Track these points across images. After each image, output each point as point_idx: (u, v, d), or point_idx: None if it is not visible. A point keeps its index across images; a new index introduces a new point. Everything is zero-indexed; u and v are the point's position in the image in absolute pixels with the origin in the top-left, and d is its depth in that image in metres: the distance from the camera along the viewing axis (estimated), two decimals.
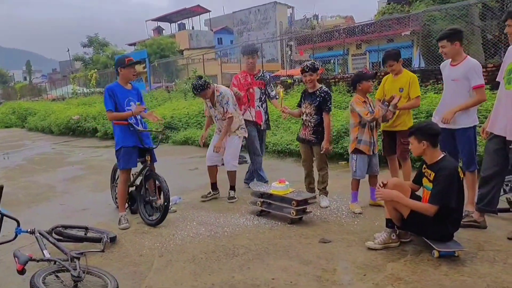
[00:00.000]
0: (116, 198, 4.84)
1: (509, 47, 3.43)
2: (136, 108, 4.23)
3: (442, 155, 3.19)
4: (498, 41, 13.00)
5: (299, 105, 4.77)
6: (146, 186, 4.40)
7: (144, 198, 4.40)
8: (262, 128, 5.44)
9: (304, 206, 4.12)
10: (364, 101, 4.28)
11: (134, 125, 4.24)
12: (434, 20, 15.40)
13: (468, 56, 3.81)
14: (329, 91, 4.53)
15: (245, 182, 5.63)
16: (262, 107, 5.40)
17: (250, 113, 5.29)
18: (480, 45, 13.25)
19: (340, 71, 23.12)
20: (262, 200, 4.40)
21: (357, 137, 4.29)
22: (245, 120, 5.15)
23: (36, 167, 8.60)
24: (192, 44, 43.36)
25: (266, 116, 5.49)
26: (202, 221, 4.32)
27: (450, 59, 3.86)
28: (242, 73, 5.40)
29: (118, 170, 4.54)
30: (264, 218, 4.29)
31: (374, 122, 4.33)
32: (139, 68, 31.34)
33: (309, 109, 4.53)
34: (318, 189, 4.71)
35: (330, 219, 4.14)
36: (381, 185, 3.34)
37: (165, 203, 4.11)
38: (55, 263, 2.88)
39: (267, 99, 5.55)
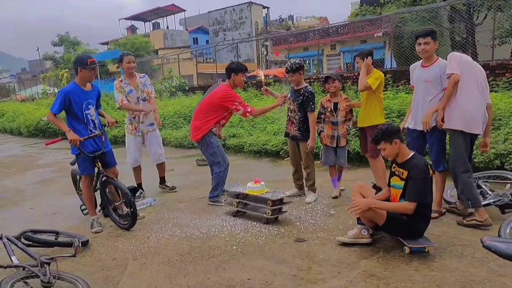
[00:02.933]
0: (83, 206, 4.63)
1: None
2: (70, 135, 3.93)
3: (412, 153, 3.27)
4: (465, 42, 13.46)
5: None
6: (107, 192, 4.30)
7: (110, 204, 4.30)
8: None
9: (280, 206, 4.15)
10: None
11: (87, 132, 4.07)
12: (405, 22, 15.80)
13: (439, 58, 3.85)
14: (312, 91, 4.64)
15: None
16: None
17: (220, 129, 4.98)
18: (449, 46, 13.70)
19: (315, 71, 23.41)
20: (237, 200, 4.40)
21: (322, 129, 4.87)
22: (211, 132, 4.76)
23: (5, 170, 8.30)
24: (167, 44, 42.87)
25: None
26: (177, 222, 4.28)
27: (421, 61, 3.93)
28: (231, 89, 4.75)
29: (79, 176, 4.43)
30: (240, 219, 4.30)
31: (338, 117, 4.78)
32: (112, 67, 30.65)
33: (293, 105, 4.70)
34: (306, 186, 4.87)
35: (305, 218, 4.18)
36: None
37: (131, 209, 3.96)
38: (23, 269, 2.79)
39: None
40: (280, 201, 4.16)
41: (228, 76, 4.72)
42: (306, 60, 26.84)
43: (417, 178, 3.12)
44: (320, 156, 5.13)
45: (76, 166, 4.47)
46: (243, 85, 4.91)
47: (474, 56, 13.13)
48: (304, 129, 4.64)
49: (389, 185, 3.47)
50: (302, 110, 4.61)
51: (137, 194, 5.10)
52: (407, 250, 3.15)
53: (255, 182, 4.32)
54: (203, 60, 32.48)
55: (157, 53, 32.72)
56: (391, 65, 14.19)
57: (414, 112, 3.99)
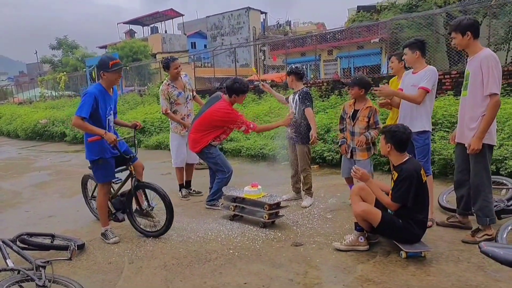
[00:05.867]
0: (95, 211, 4.44)
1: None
2: (107, 137, 3.54)
3: (407, 158, 3.29)
4: (461, 49, 13.57)
5: (287, 99, 5.03)
6: (137, 197, 4.02)
7: (140, 211, 4.03)
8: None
9: (277, 210, 4.15)
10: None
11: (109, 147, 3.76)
12: (401, 28, 15.93)
13: (429, 66, 3.88)
14: (307, 91, 4.72)
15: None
16: None
17: (220, 139, 4.97)
18: (445, 52, 13.78)
19: (312, 76, 23.48)
20: (235, 204, 4.39)
21: (343, 140, 4.53)
22: (211, 144, 4.75)
23: (1, 173, 8.26)
24: (165, 48, 42.90)
25: None
26: (173, 226, 4.23)
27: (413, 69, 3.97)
28: (231, 106, 4.70)
29: (94, 183, 4.29)
30: (237, 222, 4.29)
31: (356, 127, 4.29)
32: None
33: (292, 108, 4.75)
34: (303, 190, 4.86)
35: (302, 223, 4.18)
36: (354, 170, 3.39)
37: (169, 212, 3.81)
38: (18, 272, 2.76)
39: None
40: (277, 205, 4.16)
41: (230, 95, 4.65)
42: (303, 65, 26.97)
43: (401, 181, 3.15)
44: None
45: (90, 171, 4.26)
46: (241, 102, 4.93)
47: None
48: (300, 132, 4.67)
49: None
50: (300, 112, 4.65)
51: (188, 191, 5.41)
52: (403, 254, 3.16)
53: (252, 186, 4.31)
54: (201, 65, 32.51)
55: (155, 57, 32.74)
56: (387, 71, 14.27)
57: (401, 116, 3.96)
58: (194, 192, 5.55)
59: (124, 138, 4.02)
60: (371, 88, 4.27)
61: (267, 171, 6.94)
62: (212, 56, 22.66)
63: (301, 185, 4.91)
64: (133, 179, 3.93)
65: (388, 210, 3.30)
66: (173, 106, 5.21)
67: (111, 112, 3.86)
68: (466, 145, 3.37)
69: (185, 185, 5.58)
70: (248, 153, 7.96)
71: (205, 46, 43.65)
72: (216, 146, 4.80)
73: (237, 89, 4.60)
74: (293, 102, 4.75)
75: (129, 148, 4.08)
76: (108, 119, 3.80)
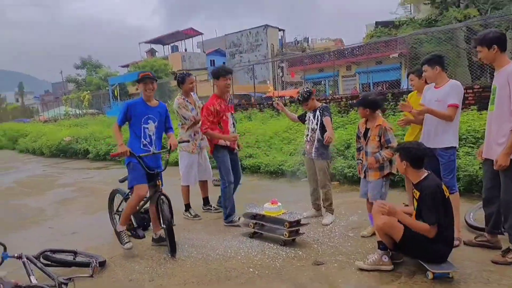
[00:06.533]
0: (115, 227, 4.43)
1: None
2: (120, 148, 3.88)
3: (426, 174, 3.20)
4: (483, 63, 13.30)
5: (300, 117, 5.07)
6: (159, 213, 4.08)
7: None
8: (235, 152, 5.04)
9: (297, 227, 4.09)
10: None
11: (138, 150, 3.98)
12: (421, 43, 15.77)
13: (451, 79, 3.83)
14: (327, 106, 4.80)
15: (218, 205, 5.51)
16: (235, 132, 5.00)
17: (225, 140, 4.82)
18: (466, 67, 13.55)
19: (331, 92, 23.44)
20: (254, 221, 4.36)
21: (359, 160, 4.31)
22: (219, 145, 4.80)
23: (26, 189, 8.47)
24: (185, 66, 43.68)
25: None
26: (193, 244, 4.26)
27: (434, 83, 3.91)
28: (215, 99, 4.76)
29: (121, 197, 4.42)
30: (257, 240, 4.25)
31: (368, 147, 4.06)
32: (132, 89, 31.18)
33: (312, 124, 4.73)
34: (323, 206, 4.81)
35: (323, 241, 4.11)
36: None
37: (170, 238, 3.86)
38: None
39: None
40: (297, 223, 4.10)
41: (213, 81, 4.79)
42: (321, 81, 26.97)
43: (428, 199, 3.05)
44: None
45: (119, 185, 4.47)
46: (228, 89, 4.83)
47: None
48: (320, 147, 4.65)
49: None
50: (322, 128, 4.63)
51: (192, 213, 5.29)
52: (430, 275, 3.04)
53: (272, 203, 4.28)
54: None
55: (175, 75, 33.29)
56: (407, 86, 14.12)
57: (425, 132, 3.90)
58: (214, 209, 5.53)
59: (153, 153, 4.09)
60: (379, 105, 4.14)
61: (287, 188, 6.89)
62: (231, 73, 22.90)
63: (322, 201, 4.85)
64: (159, 193, 4.00)
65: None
66: (187, 122, 5.19)
67: (150, 121, 4.08)
68: (494, 161, 3.27)
69: (203, 202, 5.57)
70: (267, 169, 7.93)
71: (224, 63, 44.23)
72: (226, 151, 4.78)
73: (214, 73, 4.82)
74: (314, 118, 4.73)
75: (161, 165, 4.21)
76: (145, 128, 4.07)
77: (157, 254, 3.99)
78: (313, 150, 4.71)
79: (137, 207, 4.18)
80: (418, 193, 3.17)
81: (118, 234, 4.20)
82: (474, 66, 12.92)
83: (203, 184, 5.54)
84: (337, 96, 12.09)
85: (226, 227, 4.77)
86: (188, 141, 5.03)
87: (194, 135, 5.22)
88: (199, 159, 5.31)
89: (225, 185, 4.75)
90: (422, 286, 2.98)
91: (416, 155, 3.19)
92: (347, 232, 4.33)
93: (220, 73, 4.75)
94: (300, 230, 4.16)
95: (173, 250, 3.89)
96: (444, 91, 3.74)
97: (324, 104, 4.82)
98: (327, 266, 3.47)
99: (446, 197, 3.12)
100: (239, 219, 4.72)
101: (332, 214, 4.76)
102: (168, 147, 4.15)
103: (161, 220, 3.96)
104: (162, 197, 3.98)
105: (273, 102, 5.39)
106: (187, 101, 5.18)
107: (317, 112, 4.71)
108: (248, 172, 8.29)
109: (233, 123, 4.98)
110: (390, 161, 4.01)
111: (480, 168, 5.27)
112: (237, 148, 5.04)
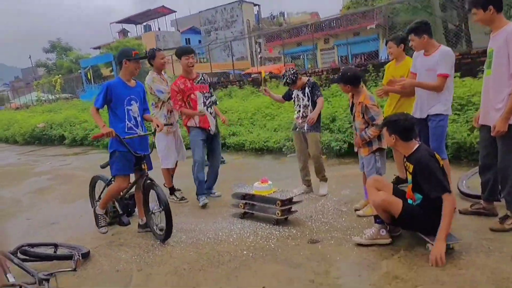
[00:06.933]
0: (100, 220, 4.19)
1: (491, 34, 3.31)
2: (104, 129, 3.61)
3: (417, 146, 3.07)
4: (459, 30, 13.29)
5: (284, 97, 4.93)
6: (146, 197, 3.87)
7: (149, 211, 3.84)
8: (211, 132, 4.82)
9: (289, 206, 3.95)
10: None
11: (123, 134, 3.73)
12: (398, 13, 15.66)
13: (441, 45, 3.70)
14: (314, 82, 4.65)
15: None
16: (207, 111, 4.78)
17: (194, 119, 4.71)
18: (442, 35, 13.55)
19: (310, 66, 23.23)
20: (244, 201, 4.19)
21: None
22: (189, 126, 4.75)
23: (0, 180, 8.05)
24: (160, 45, 42.38)
25: (215, 120, 4.89)
26: (182, 228, 4.06)
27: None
28: (180, 78, 4.74)
29: (103, 185, 4.23)
30: (248, 221, 4.09)
31: (356, 122, 3.94)
32: (106, 71, 30.49)
33: (304, 101, 4.61)
34: (317, 177, 4.74)
35: (316, 217, 3.98)
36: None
37: (168, 223, 3.59)
38: (20, 287, 2.58)
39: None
40: (290, 201, 3.96)
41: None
42: (300, 56, 26.70)
43: (426, 172, 2.90)
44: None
45: (100, 171, 4.31)
46: (190, 68, 4.69)
47: (468, 43, 12.97)
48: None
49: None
50: (313, 102, 4.55)
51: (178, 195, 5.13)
52: (430, 247, 2.95)
53: (262, 182, 4.11)
54: (197, 60, 32.20)
55: None
56: (386, 56, 14.06)
57: (418, 101, 3.82)
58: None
59: (139, 135, 3.85)
60: (360, 80, 3.86)
61: (274, 165, 6.74)
62: (208, 51, 22.35)
63: (315, 173, 4.73)
64: (145, 178, 3.80)
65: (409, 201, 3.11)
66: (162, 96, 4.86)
67: (133, 102, 3.85)
68: (491, 127, 3.16)
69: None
70: (252, 146, 7.75)
71: (199, 41, 43.25)
72: (199, 130, 4.70)
73: (176, 53, 4.82)
74: (304, 95, 4.59)
75: (148, 147, 4.04)
76: (128, 109, 3.82)
77: (144, 241, 3.79)
78: (306, 123, 4.56)
79: (119, 195, 4.03)
80: (411, 166, 3.05)
81: (96, 216, 4.13)
82: (450, 34, 12.91)
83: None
84: (318, 69, 11.89)
85: (215, 209, 4.60)
86: (172, 124, 4.84)
87: (169, 113, 4.93)
88: (175, 140, 5.08)
89: (193, 163, 4.76)
90: (423, 259, 2.88)
91: (404, 126, 3.04)
92: (340, 207, 4.22)
93: (181, 53, 4.74)
94: (293, 208, 4.02)
95: (168, 236, 3.67)
96: (434, 59, 3.62)
97: (310, 79, 4.64)
98: (323, 244, 3.35)
99: (441, 165, 3.00)
100: (206, 198, 4.75)
101: (326, 182, 4.74)
102: (153, 129, 3.95)
103: (158, 203, 3.68)
104: (153, 181, 3.77)
105: (260, 88, 5.22)
106: (161, 79, 4.89)
107: (306, 89, 4.57)
108: (233, 151, 8.09)
109: (206, 102, 4.77)
110: (379, 136, 3.82)
111: (468, 135, 5.23)
112: (212, 128, 4.79)
